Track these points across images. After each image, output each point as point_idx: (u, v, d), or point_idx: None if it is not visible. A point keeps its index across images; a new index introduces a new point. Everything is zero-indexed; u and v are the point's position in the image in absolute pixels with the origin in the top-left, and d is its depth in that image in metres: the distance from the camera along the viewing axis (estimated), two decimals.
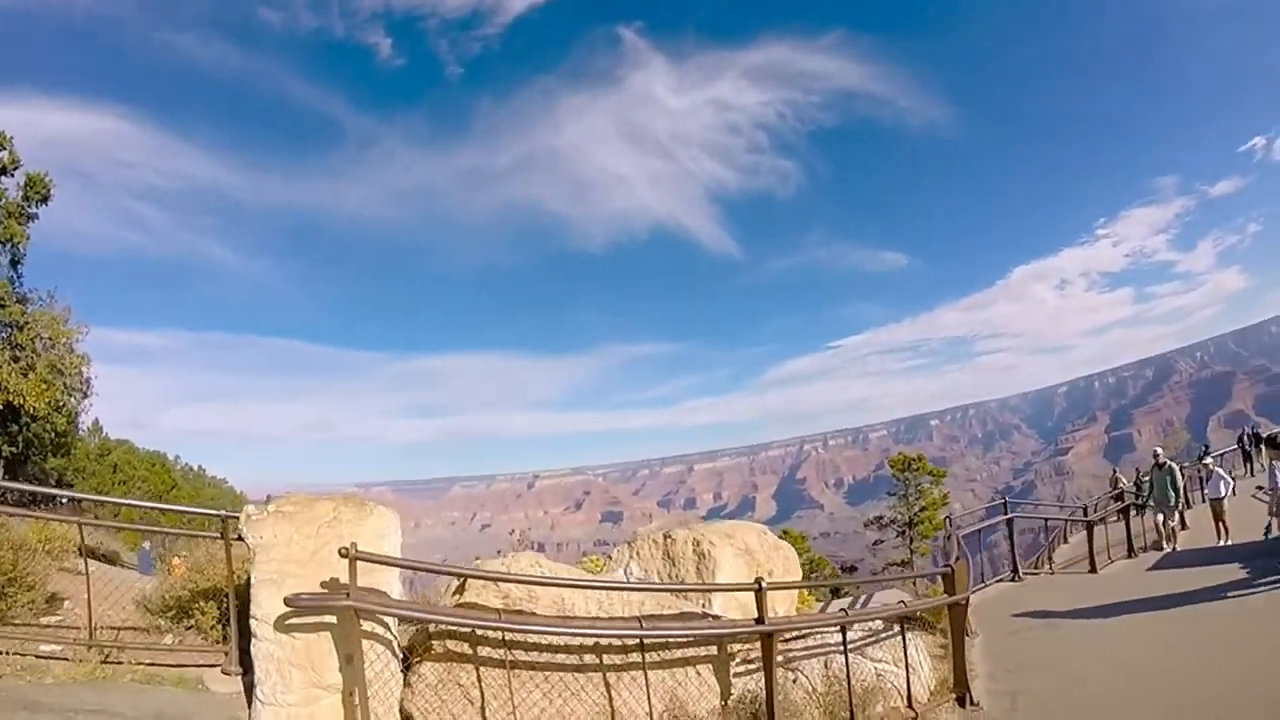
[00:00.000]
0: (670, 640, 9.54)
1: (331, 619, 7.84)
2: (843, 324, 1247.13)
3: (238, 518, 8.84)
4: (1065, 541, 28.34)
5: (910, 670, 11.36)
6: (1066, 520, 30.03)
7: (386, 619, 8.23)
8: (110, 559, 23.11)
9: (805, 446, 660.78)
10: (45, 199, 34.84)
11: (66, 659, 9.56)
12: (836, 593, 21.48)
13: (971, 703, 11.49)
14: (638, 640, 9.00)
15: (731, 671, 10.16)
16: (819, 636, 11.63)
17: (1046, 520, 28.21)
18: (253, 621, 7.97)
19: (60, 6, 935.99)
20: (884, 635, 12.20)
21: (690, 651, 9.90)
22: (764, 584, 9.38)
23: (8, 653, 9.41)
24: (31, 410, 32.75)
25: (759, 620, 9.30)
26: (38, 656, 9.74)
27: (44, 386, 32.15)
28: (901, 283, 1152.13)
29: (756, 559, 12.86)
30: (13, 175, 34.27)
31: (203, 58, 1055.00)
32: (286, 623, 7.81)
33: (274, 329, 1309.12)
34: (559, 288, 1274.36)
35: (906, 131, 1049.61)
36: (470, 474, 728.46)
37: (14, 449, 35.74)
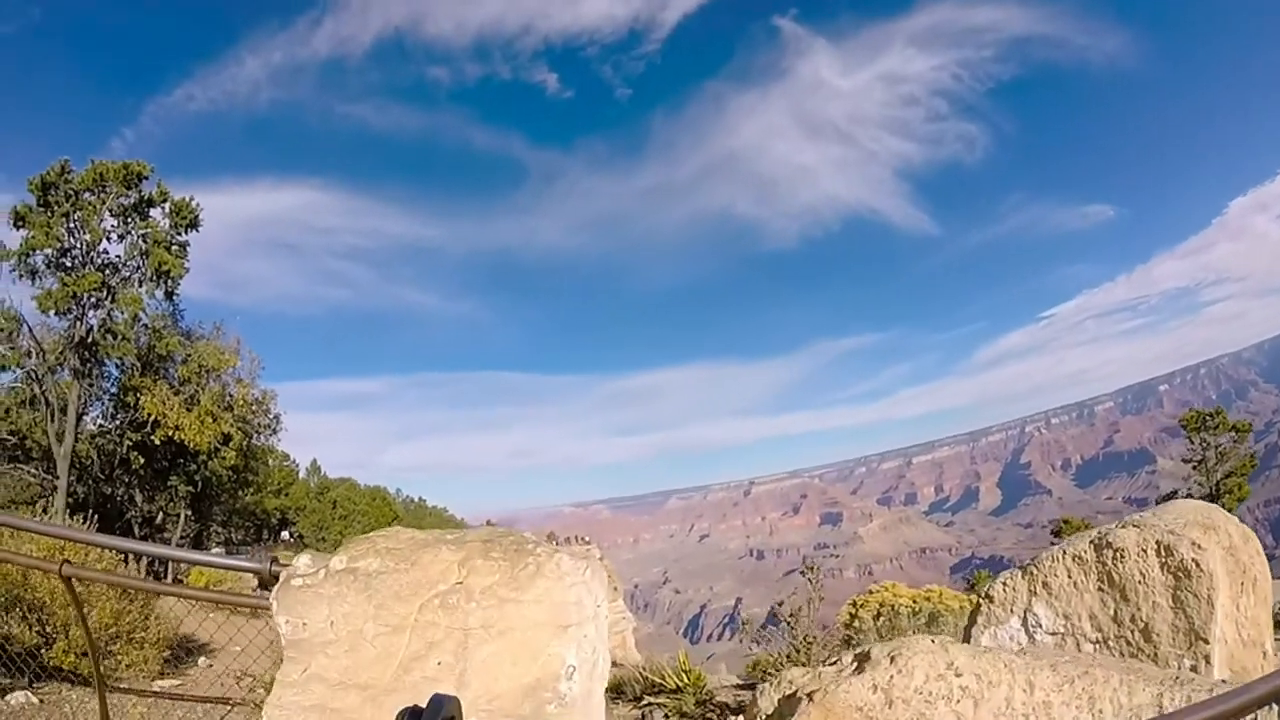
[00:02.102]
0: None
1: None
2: (1053, 291, 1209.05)
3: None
4: None
5: None
6: None
7: None
8: None
9: (1027, 428, 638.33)
10: (194, 224, 32.43)
11: None
12: None
13: None
14: None
15: None
16: None
17: None
18: None
19: (245, 100, 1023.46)
20: None
21: None
22: None
23: None
24: (192, 446, 30.39)
25: None
26: None
27: (209, 420, 29.39)
28: (1110, 237, 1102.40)
29: (1240, 563, 7.56)
30: (161, 206, 32.12)
31: (381, 123, 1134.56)
32: None
33: (481, 364, 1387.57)
34: (757, 290, 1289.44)
35: (1090, 71, 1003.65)
36: (686, 485, 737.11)
37: (191, 488, 33.61)
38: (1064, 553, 7.56)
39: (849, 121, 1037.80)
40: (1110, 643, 7.02)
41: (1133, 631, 6.98)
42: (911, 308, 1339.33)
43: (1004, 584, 7.94)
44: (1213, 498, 42.27)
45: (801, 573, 10.26)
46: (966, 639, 8.40)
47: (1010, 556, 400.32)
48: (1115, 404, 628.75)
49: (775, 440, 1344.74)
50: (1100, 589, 7.10)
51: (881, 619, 17.39)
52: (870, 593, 24.35)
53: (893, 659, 4.58)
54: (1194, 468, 44.24)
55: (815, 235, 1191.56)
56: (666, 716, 10.67)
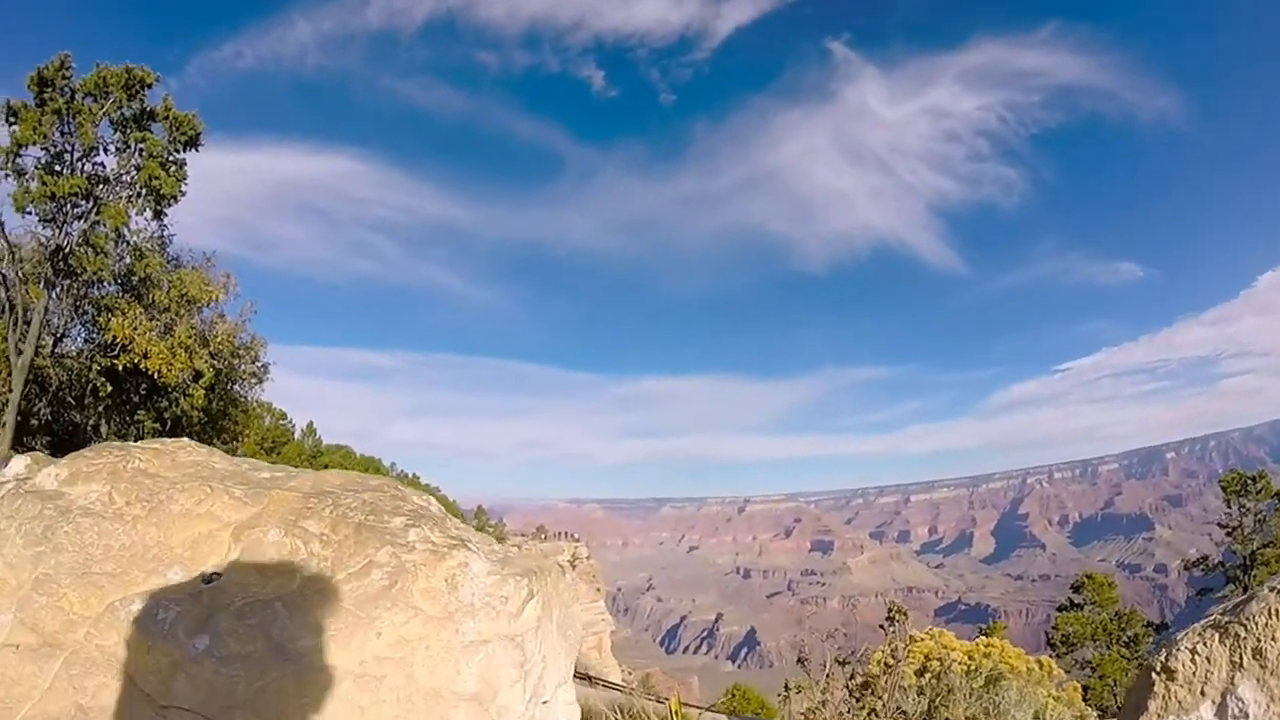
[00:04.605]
0: None
1: None
2: (1073, 344, 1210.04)
3: None
4: None
5: None
6: None
7: None
8: None
9: (1029, 479, 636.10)
10: (193, 143, 30.01)
11: None
12: None
13: None
14: None
15: None
16: None
17: None
18: None
19: (293, 63, 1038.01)
20: None
21: None
22: None
23: None
24: (159, 377, 28.26)
25: None
26: None
27: (181, 352, 27.40)
28: (1137, 296, 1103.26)
29: None
30: (163, 121, 29.88)
31: (426, 101, 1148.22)
32: None
33: (498, 351, 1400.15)
34: (779, 310, 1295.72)
35: (1136, 126, 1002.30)
36: (682, 495, 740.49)
37: (159, 426, 31.32)
38: None
39: (890, 151, 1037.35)
40: None
41: None
42: (930, 344, 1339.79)
43: (1193, 652, 5.25)
44: (1246, 569, 39.53)
45: (890, 618, 7.44)
46: None
47: (997, 606, 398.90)
48: (1120, 466, 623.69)
49: (776, 461, 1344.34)
50: None
51: (928, 675, 14.82)
52: (914, 640, 21.66)
53: None
54: (1228, 534, 41.31)
55: (844, 261, 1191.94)
56: None
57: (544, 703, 2.76)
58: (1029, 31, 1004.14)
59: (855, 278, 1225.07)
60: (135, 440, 19.96)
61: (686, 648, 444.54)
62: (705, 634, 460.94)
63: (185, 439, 3.74)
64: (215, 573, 2.76)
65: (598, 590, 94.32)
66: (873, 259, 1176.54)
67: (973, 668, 15.53)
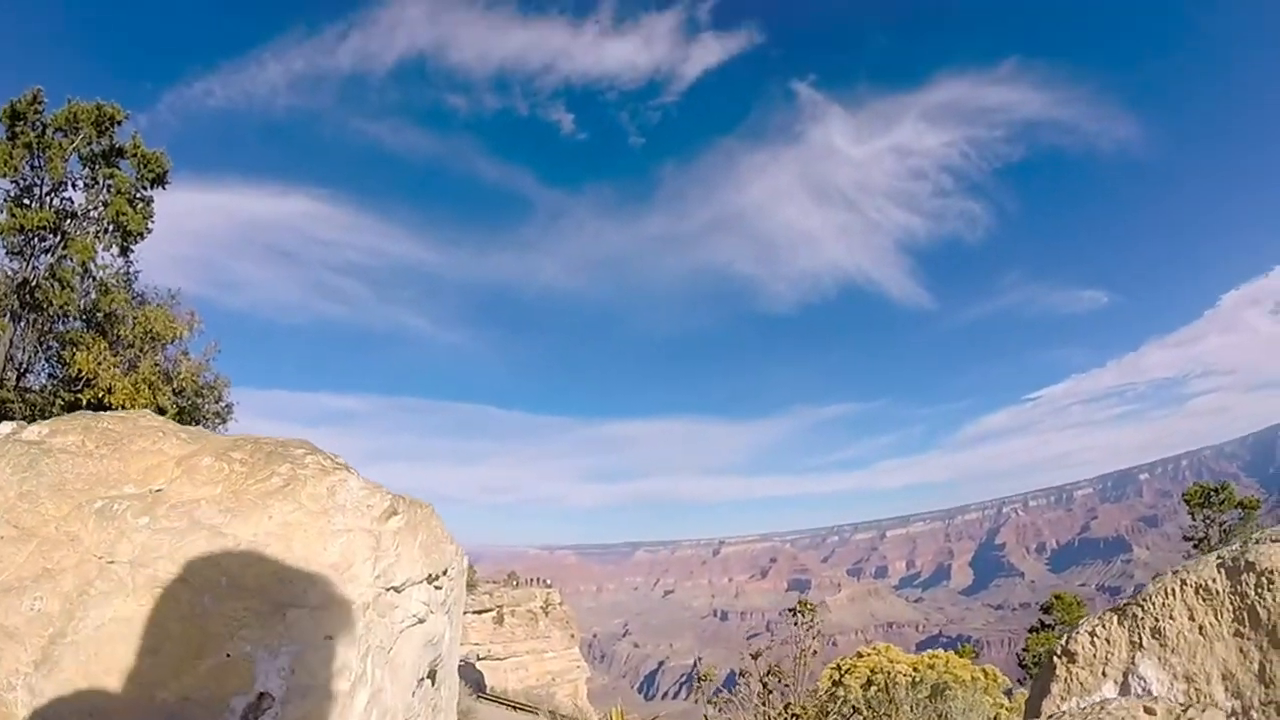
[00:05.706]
0: None
1: None
2: (1042, 372, 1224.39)
3: None
4: None
5: None
6: None
7: None
8: None
9: (1004, 508, 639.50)
10: (160, 180, 30.19)
11: None
12: None
13: None
14: None
15: None
16: None
17: None
18: None
19: (262, 104, 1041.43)
20: None
21: None
22: None
23: None
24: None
25: None
26: None
27: (145, 388, 27.24)
28: (1103, 323, 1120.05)
29: None
30: (131, 158, 29.97)
31: (395, 143, 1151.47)
32: None
33: (466, 395, 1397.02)
34: (748, 350, 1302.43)
35: (1096, 157, 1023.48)
36: (655, 539, 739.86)
37: None
38: (1182, 584, 5.20)
39: (856, 190, 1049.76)
40: (1254, 712, 4.73)
41: None
42: (899, 379, 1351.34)
43: (1092, 635, 5.51)
44: None
45: (794, 611, 7.79)
46: (1033, 716, 6.03)
47: (979, 637, 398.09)
48: (1095, 490, 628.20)
49: (749, 501, 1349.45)
50: (1239, 634, 4.80)
51: (874, 688, 15.04)
52: (860, 656, 21.87)
53: None
54: (1195, 545, 41.86)
55: (812, 300, 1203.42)
56: None
57: (394, 589, 3.42)
58: (990, 68, 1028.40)
59: (823, 316, 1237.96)
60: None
61: (665, 693, 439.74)
62: (684, 679, 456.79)
63: (147, 410, 4.65)
64: (158, 489, 3.42)
65: (571, 637, 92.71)
66: (840, 297, 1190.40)
67: (918, 679, 15.72)
